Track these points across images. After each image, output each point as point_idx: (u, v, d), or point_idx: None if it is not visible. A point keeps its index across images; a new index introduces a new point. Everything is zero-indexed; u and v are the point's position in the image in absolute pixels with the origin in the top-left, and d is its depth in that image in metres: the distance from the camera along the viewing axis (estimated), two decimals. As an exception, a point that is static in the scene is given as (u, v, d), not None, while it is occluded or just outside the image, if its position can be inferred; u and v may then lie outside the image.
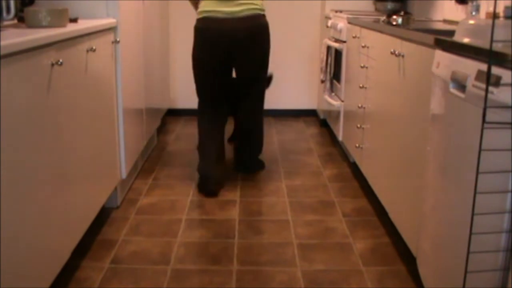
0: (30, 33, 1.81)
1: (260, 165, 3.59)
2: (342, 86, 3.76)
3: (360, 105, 3.17)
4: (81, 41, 2.22)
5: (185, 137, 4.31)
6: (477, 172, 1.39)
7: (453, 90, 1.66)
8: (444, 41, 1.81)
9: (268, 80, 3.71)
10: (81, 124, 2.24)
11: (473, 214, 1.43)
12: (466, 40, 1.70)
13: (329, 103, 3.97)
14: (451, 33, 1.85)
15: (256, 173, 3.49)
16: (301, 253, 2.42)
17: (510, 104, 1.33)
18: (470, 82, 1.53)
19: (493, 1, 2.33)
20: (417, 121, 2.12)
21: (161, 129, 4.49)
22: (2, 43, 1.49)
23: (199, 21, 3.16)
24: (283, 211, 2.89)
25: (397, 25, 2.66)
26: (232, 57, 3.21)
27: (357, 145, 3.22)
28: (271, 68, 5.01)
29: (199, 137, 3.33)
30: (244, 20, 3.15)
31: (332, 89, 4.12)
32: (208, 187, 3.10)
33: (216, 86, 3.32)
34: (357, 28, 3.30)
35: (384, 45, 2.67)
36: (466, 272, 1.46)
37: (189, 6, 3.66)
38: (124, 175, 2.89)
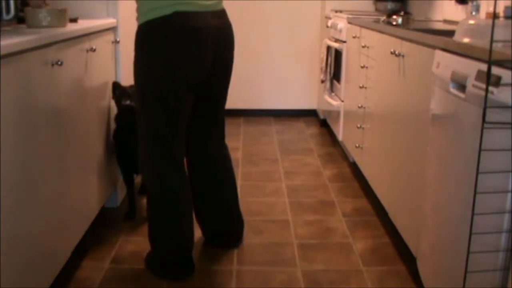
0: (30, 33, 1.81)
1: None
2: (342, 86, 3.76)
3: (360, 105, 3.17)
4: (81, 41, 2.22)
5: (185, 137, 4.31)
6: (477, 172, 1.39)
7: (453, 90, 1.66)
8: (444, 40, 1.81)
9: None
10: (81, 124, 2.24)
11: (473, 214, 1.43)
12: (466, 40, 1.70)
13: (329, 103, 3.97)
14: (451, 33, 1.85)
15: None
16: (301, 253, 2.42)
17: (510, 104, 1.33)
18: (470, 82, 1.53)
19: (493, 1, 2.33)
20: (417, 121, 2.12)
21: (161, 129, 4.48)
22: (2, 43, 1.49)
23: (164, 21, 2.01)
24: (283, 211, 2.89)
25: (397, 25, 2.66)
26: (209, 73, 2.19)
27: (357, 145, 3.22)
28: (272, 67, 5.02)
29: (164, 217, 2.21)
30: (222, 17, 2.21)
31: (332, 89, 4.12)
32: (190, 268, 2.26)
33: (184, 127, 2.22)
34: (357, 28, 3.30)
35: (384, 45, 2.67)
36: (466, 272, 1.46)
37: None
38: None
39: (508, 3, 1.77)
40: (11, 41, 1.55)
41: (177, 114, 2.13)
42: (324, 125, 4.63)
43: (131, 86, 2.62)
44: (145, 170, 2.22)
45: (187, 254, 2.23)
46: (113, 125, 2.72)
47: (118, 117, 2.66)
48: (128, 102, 2.60)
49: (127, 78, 2.90)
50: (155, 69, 2.06)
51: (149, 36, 2.05)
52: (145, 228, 2.64)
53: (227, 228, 2.49)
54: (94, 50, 2.36)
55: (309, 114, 5.08)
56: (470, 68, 1.55)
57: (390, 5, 4.15)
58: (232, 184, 2.46)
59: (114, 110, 2.73)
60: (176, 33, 2.02)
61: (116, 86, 2.66)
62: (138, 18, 2.09)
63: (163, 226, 2.21)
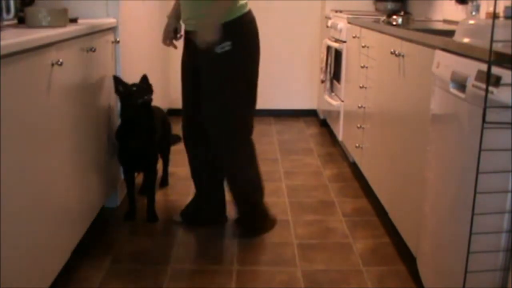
0: (30, 33, 1.81)
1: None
2: (342, 86, 3.76)
3: (360, 105, 3.17)
4: (81, 41, 2.22)
5: (185, 137, 4.30)
6: (477, 172, 1.39)
7: (453, 90, 1.66)
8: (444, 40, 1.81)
9: None
10: (81, 124, 2.24)
11: (473, 214, 1.43)
12: (466, 40, 1.70)
13: (329, 103, 3.97)
14: (451, 33, 1.85)
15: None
16: (301, 253, 2.42)
17: (510, 104, 1.33)
18: (470, 82, 1.53)
19: (493, 1, 2.33)
20: (417, 121, 2.12)
21: (161, 129, 4.48)
22: (2, 43, 1.49)
23: (250, 14, 2.47)
24: (283, 211, 2.88)
25: (397, 25, 2.66)
26: None
27: (357, 145, 3.22)
28: (272, 68, 5.02)
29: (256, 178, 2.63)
30: None
31: (332, 89, 4.12)
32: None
33: None
34: (357, 28, 3.30)
35: (384, 45, 2.67)
36: (466, 272, 1.46)
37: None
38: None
39: (508, 3, 1.77)
40: (11, 41, 1.55)
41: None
42: (324, 125, 4.63)
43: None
44: (238, 161, 2.57)
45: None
46: (113, 125, 2.72)
47: (125, 114, 2.59)
48: (144, 98, 2.55)
49: (126, 78, 2.90)
50: (256, 54, 2.50)
51: (249, 26, 2.45)
52: (144, 228, 2.64)
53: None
54: (94, 50, 2.36)
55: (309, 114, 5.07)
56: (470, 68, 1.55)
57: (390, 5, 4.15)
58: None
59: (114, 109, 2.73)
60: (255, 23, 2.48)
61: (118, 81, 2.59)
62: (219, 17, 2.34)
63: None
